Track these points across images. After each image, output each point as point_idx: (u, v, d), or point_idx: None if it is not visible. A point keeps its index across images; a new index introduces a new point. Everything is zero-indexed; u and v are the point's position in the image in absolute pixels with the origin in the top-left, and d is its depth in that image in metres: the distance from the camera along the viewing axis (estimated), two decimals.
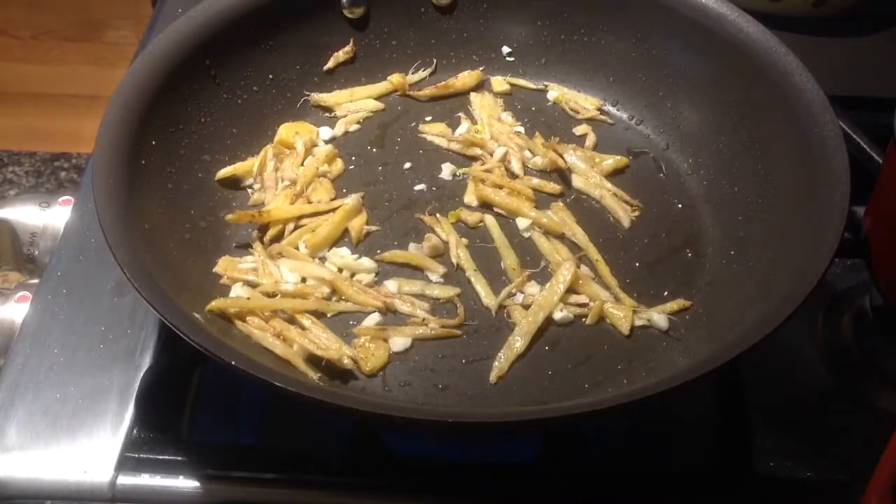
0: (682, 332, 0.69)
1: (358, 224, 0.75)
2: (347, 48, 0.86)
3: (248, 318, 0.67)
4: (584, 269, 0.73)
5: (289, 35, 0.83)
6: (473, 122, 0.85)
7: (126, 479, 0.65)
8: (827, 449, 0.67)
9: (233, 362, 0.56)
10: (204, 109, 0.78)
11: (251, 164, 0.78)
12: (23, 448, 0.66)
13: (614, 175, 0.80)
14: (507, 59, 0.89)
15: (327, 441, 0.67)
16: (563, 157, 0.80)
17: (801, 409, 0.70)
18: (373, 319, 0.69)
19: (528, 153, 0.81)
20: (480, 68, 0.88)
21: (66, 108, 2.10)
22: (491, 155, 0.81)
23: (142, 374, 0.70)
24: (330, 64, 0.86)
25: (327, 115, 0.85)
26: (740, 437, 0.67)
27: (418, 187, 0.79)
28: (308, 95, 0.84)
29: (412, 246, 0.74)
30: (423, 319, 0.69)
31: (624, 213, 0.77)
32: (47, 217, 0.83)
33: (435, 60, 0.88)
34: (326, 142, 0.83)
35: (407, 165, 0.81)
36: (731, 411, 0.69)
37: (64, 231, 0.80)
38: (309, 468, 0.65)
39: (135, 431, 0.67)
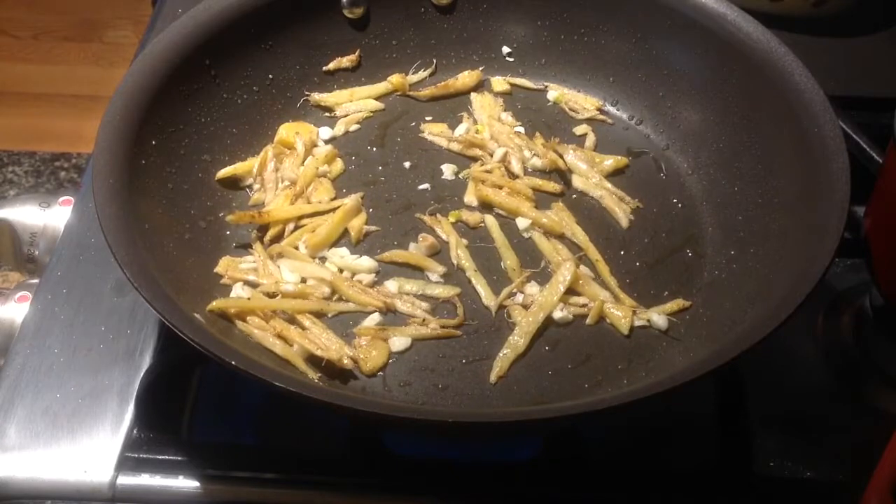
0: (681, 332, 0.69)
1: (358, 224, 0.75)
2: (352, 56, 0.86)
3: (248, 318, 0.67)
4: (583, 269, 0.73)
5: (289, 35, 0.83)
6: (474, 122, 0.85)
7: (126, 479, 0.65)
8: (827, 449, 0.67)
9: (233, 362, 0.56)
10: (204, 109, 0.78)
11: (251, 164, 0.78)
12: (23, 448, 0.66)
13: (614, 175, 0.80)
14: (507, 59, 0.89)
15: (327, 441, 0.67)
16: (562, 158, 0.80)
17: (801, 409, 0.70)
18: (373, 319, 0.69)
19: (527, 153, 0.81)
20: (480, 68, 0.88)
21: (66, 108, 2.11)
22: (491, 155, 0.81)
23: (142, 374, 0.70)
24: (332, 67, 0.86)
25: (327, 115, 0.85)
26: (740, 437, 0.67)
27: (418, 187, 0.79)
28: (308, 95, 0.84)
29: (412, 246, 0.74)
30: (423, 319, 0.69)
31: (623, 214, 0.77)
32: (47, 217, 0.83)
33: (435, 60, 0.88)
34: (326, 142, 0.83)
35: (407, 165, 0.81)
36: (731, 411, 0.69)
37: (64, 231, 0.80)
38: (309, 468, 0.65)
39: (135, 431, 0.67)
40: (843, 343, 0.74)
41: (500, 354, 0.67)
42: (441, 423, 0.56)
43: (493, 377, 0.66)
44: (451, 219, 0.76)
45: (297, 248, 0.73)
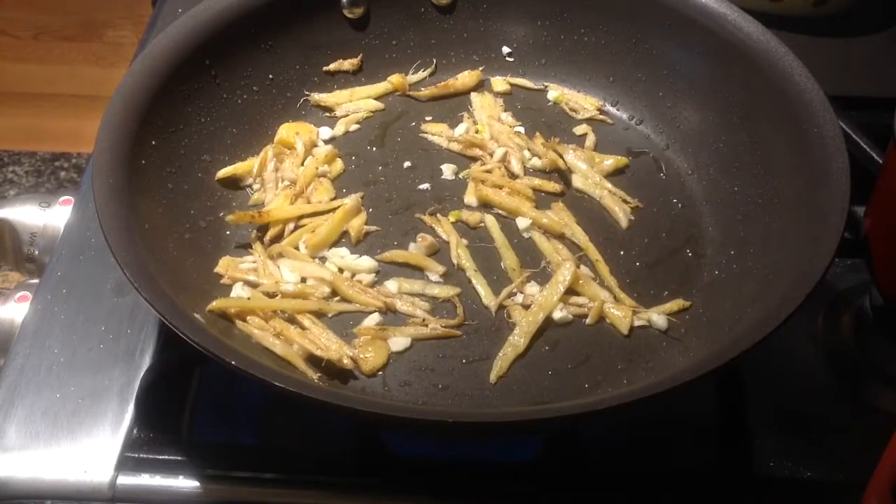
0: (682, 332, 0.69)
1: (357, 224, 0.75)
2: (354, 60, 0.86)
3: (248, 318, 0.67)
4: (584, 269, 0.73)
5: (289, 35, 0.83)
6: (474, 122, 0.85)
7: (126, 479, 0.65)
8: (827, 449, 0.67)
9: (233, 362, 0.56)
10: (204, 109, 0.78)
11: (251, 164, 0.78)
12: (23, 448, 0.66)
13: (614, 175, 0.80)
14: (507, 59, 0.89)
15: (327, 441, 0.67)
16: (562, 158, 0.80)
17: (801, 409, 0.70)
18: (373, 319, 0.69)
19: (527, 153, 0.81)
20: (480, 68, 0.88)
21: (66, 108, 2.11)
22: (491, 155, 0.81)
23: (142, 374, 0.70)
24: (332, 68, 0.86)
25: (327, 115, 0.85)
26: (740, 437, 0.67)
27: (418, 187, 0.79)
28: (308, 95, 0.84)
29: (412, 246, 0.74)
30: (423, 319, 0.69)
31: (622, 214, 0.77)
32: (47, 217, 0.83)
33: (435, 60, 0.88)
34: (326, 142, 0.83)
35: (407, 165, 0.81)
36: (731, 411, 0.69)
37: (64, 231, 0.80)
38: (309, 468, 0.65)
39: (135, 431, 0.67)
40: (843, 343, 0.74)
41: (500, 354, 0.67)
42: (441, 423, 0.56)
43: (493, 377, 0.66)
44: (451, 219, 0.76)
45: (297, 248, 0.73)
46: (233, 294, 0.69)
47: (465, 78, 0.87)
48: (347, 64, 0.86)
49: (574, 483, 0.65)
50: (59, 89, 2.15)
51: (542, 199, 0.78)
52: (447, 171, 0.81)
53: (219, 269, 0.71)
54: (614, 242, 0.75)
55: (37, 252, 0.82)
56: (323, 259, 0.73)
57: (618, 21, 0.84)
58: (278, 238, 0.74)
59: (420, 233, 0.75)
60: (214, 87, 0.79)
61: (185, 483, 0.65)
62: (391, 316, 0.70)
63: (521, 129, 0.84)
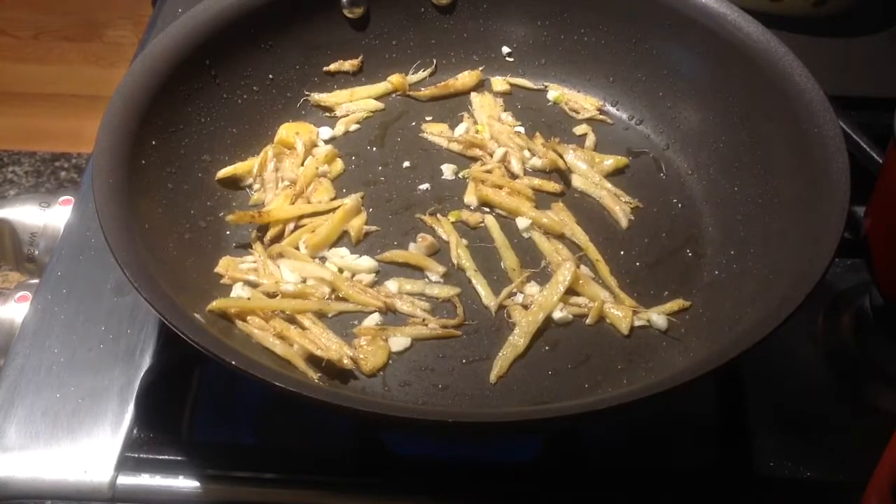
0: (682, 332, 0.69)
1: (357, 224, 0.75)
2: (354, 61, 0.86)
3: (248, 318, 0.67)
4: (584, 269, 0.73)
5: (289, 35, 0.83)
6: (474, 122, 0.85)
7: (126, 479, 0.65)
8: (827, 449, 0.67)
9: (233, 362, 0.56)
10: (204, 109, 0.78)
11: (251, 164, 0.78)
12: (23, 448, 0.66)
13: (614, 175, 0.80)
14: (507, 59, 0.89)
15: (327, 441, 0.67)
16: (562, 158, 0.80)
17: (801, 409, 0.70)
18: (373, 319, 0.69)
19: (527, 153, 0.81)
20: (480, 68, 0.88)
21: (66, 108, 2.11)
22: (491, 155, 0.81)
23: (142, 374, 0.70)
24: (333, 68, 0.86)
25: (327, 115, 0.85)
26: (740, 437, 0.68)
27: (418, 187, 0.79)
28: (308, 95, 0.85)
29: (412, 246, 0.74)
30: (423, 319, 0.69)
31: (622, 214, 0.77)
32: (47, 217, 0.83)
33: (435, 60, 0.88)
34: (326, 142, 0.83)
35: (407, 165, 0.81)
36: (731, 411, 0.69)
37: (64, 231, 0.80)
38: (309, 468, 0.65)
39: (135, 431, 0.67)
40: (843, 343, 0.74)
41: (500, 354, 0.67)
42: (441, 423, 0.56)
43: (493, 377, 0.66)
44: (452, 219, 0.76)
45: (297, 248, 0.73)
46: (233, 294, 0.69)
47: (465, 78, 0.87)
48: (347, 64, 0.86)
49: (574, 483, 0.65)
50: (59, 89, 2.15)
51: (542, 199, 0.78)
52: (447, 171, 0.81)
53: (219, 269, 0.71)
54: (614, 242, 0.75)
55: (37, 252, 0.82)
56: (323, 259, 0.73)
57: (618, 21, 0.84)
58: (278, 238, 0.74)
59: (420, 233, 0.75)
60: (214, 87, 0.79)
61: (185, 483, 0.65)
62: (391, 316, 0.70)
63: (521, 129, 0.84)
